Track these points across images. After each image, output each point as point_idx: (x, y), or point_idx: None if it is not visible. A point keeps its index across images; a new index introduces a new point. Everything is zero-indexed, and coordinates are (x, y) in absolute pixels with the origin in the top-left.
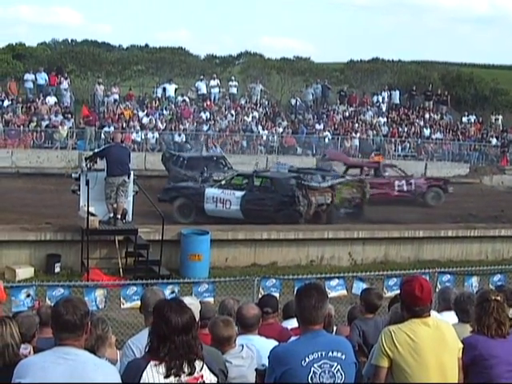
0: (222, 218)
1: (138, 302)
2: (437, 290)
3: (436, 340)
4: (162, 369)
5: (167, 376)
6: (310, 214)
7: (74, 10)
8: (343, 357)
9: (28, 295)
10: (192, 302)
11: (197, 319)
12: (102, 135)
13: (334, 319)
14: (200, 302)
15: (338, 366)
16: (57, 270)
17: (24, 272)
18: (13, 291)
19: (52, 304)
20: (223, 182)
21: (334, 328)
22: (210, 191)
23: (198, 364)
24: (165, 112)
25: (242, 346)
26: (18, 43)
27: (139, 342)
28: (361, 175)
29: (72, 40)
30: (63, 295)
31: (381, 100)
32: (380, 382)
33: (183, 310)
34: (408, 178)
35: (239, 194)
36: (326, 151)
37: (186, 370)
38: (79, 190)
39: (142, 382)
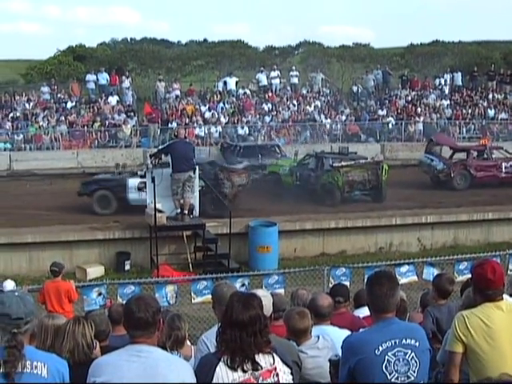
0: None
1: (209, 297)
2: (508, 272)
3: (510, 324)
4: (231, 363)
5: (236, 371)
6: (233, 195)
7: (131, 8)
8: (417, 344)
9: (99, 294)
10: (265, 295)
11: (269, 312)
12: (166, 131)
13: (407, 305)
14: (272, 294)
15: (412, 354)
16: (127, 267)
17: (94, 271)
18: (84, 290)
19: (123, 302)
20: (145, 172)
21: (407, 315)
22: (133, 181)
23: (268, 358)
24: (227, 105)
25: (318, 337)
26: (78, 45)
27: (213, 336)
28: (468, 159)
29: (131, 39)
30: (134, 292)
31: (443, 82)
32: (455, 367)
33: (248, 306)
34: None
35: None
36: (434, 136)
37: (249, 365)
38: (145, 187)
39: (215, 377)
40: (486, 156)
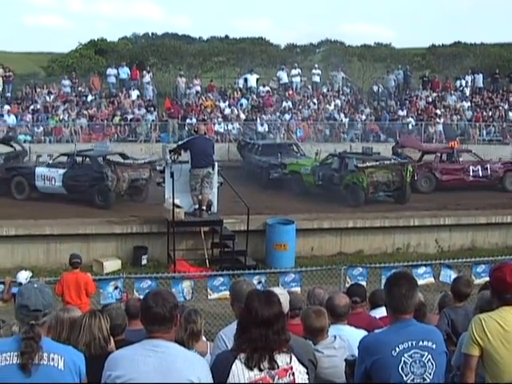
0: (50, 194)
1: (225, 293)
2: None
3: None
4: (248, 362)
5: (252, 369)
6: (121, 189)
7: (154, 3)
8: (434, 346)
9: (116, 287)
10: (282, 292)
11: (286, 310)
12: (185, 127)
13: (426, 309)
14: (288, 292)
15: (429, 356)
16: (144, 262)
17: (111, 264)
18: (101, 284)
19: (140, 296)
20: (51, 162)
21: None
22: (39, 170)
23: (284, 357)
24: (246, 102)
25: (335, 337)
26: (99, 39)
27: (231, 332)
28: (434, 161)
29: (153, 33)
30: (151, 287)
31: (464, 84)
32: (470, 370)
33: (270, 303)
34: (483, 163)
35: (62, 171)
36: (400, 138)
37: (266, 364)
38: (164, 182)
39: (231, 375)
40: (453, 159)
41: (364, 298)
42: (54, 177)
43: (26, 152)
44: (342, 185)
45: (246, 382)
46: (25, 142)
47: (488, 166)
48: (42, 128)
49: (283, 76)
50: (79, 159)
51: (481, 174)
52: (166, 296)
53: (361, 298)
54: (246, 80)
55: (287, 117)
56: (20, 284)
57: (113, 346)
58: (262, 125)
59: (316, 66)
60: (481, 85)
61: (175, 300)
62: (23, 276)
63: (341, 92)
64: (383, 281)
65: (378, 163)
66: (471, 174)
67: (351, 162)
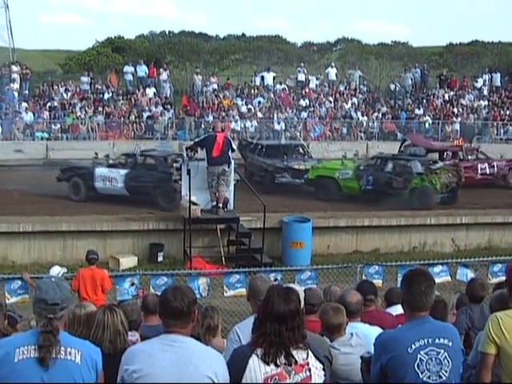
0: (111, 196)
1: (241, 290)
2: None
3: None
4: (265, 356)
5: (268, 364)
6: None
7: (168, 1)
8: (450, 344)
9: (132, 284)
10: (297, 289)
11: (301, 306)
12: (201, 125)
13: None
14: (306, 289)
15: (445, 353)
16: (160, 258)
17: (128, 261)
18: (117, 280)
19: (156, 292)
20: (111, 162)
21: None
22: (99, 170)
23: (301, 353)
24: (263, 100)
25: (352, 334)
26: (116, 36)
27: (246, 327)
28: (445, 160)
29: (169, 31)
30: (167, 284)
31: (481, 83)
32: (487, 369)
33: (288, 300)
34: (490, 161)
35: (123, 172)
36: (407, 136)
37: (282, 359)
38: (181, 179)
39: (247, 369)
40: (461, 157)
41: (376, 295)
42: (116, 177)
43: None
44: (407, 188)
45: (263, 376)
46: (42, 139)
47: (494, 163)
48: (59, 125)
49: (300, 74)
50: (141, 159)
51: (488, 172)
52: (184, 291)
53: (375, 295)
54: (262, 78)
55: (304, 115)
56: None
57: (139, 339)
58: (278, 123)
59: (333, 64)
60: (498, 84)
61: (194, 295)
62: (55, 271)
63: (358, 90)
64: (399, 279)
65: (442, 164)
66: (479, 171)
67: (415, 164)
